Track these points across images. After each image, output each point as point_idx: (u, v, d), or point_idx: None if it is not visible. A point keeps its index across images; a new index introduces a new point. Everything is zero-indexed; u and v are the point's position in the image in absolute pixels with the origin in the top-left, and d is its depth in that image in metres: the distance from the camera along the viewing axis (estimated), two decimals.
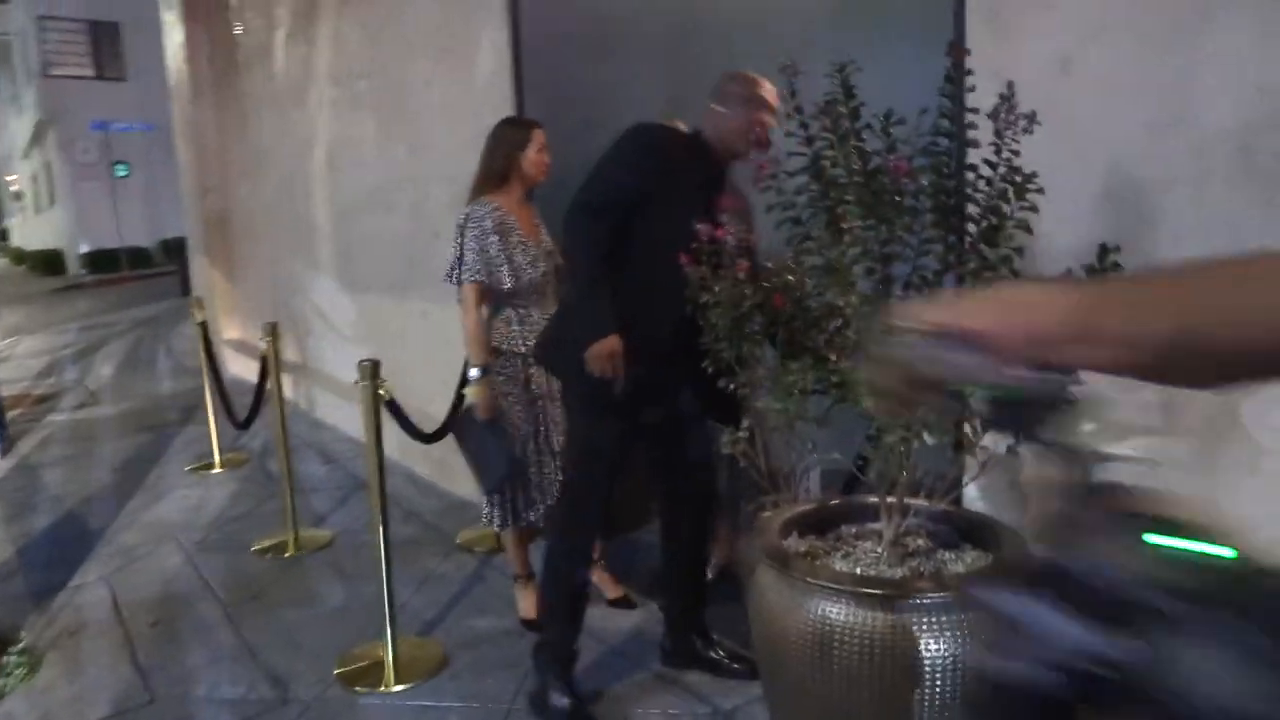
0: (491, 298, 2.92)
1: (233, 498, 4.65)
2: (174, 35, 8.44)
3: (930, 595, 1.65)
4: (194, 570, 3.70)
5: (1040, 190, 1.62)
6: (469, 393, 2.96)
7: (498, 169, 2.96)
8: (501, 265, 2.86)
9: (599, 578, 3.15)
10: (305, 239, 6.47)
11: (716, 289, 1.92)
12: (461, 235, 2.88)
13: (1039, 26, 2.16)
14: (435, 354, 4.16)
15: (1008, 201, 1.63)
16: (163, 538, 4.09)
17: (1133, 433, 2.06)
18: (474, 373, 2.89)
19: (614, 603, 3.10)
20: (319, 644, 2.98)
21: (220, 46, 8.03)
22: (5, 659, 2.96)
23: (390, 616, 2.75)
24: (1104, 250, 1.57)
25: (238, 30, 7.49)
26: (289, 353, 6.87)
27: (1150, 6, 1.95)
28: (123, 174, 22.24)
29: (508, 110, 4.04)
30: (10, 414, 6.86)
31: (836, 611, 1.68)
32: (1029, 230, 1.63)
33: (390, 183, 5.01)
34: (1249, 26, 1.79)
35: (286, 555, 3.79)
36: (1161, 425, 2.00)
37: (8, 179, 35.36)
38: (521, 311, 2.95)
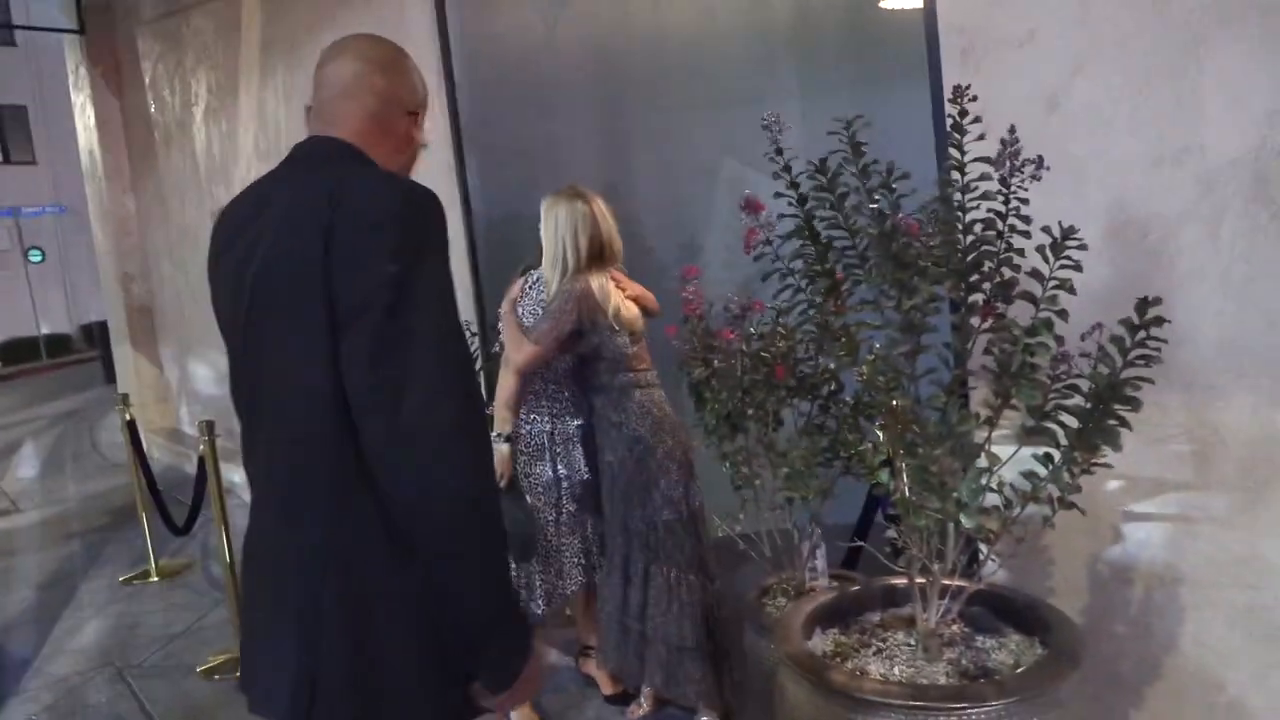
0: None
1: (174, 610, 4.27)
2: (85, 116, 8.09)
3: (991, 701, 1.47)
4: (135, 703, 3.33)
5: (1083, 246, 1.49)
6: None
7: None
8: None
9: (594, 671, 2.91)
10: None
11: (715, 362, 1.74)
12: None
13: (1017, 63, 2.06)
14: None
15: (1045, 259, 1.49)
16: (98, 665, 3.70)
17: (1164, 488, 1.94)
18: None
19: (611, 699, 2.86)
20: None
21: (136, 126, 7.72)
22: None
23: None
24: (1145, 304, 1.44)
25: (153, 109, 7.20)
26: (227, 440, 6.50)
27: (1137, 33, 1.86)
28: (37, 260, 21.38)
29: (449, 177, 3.86)
30: None
31: None
32: (1072, 291, 1.49)
33: None
34: (1252, 47, 1.71)
35: (237, 675, 3.45)
36: (1195, 478, 1.88)
37: None
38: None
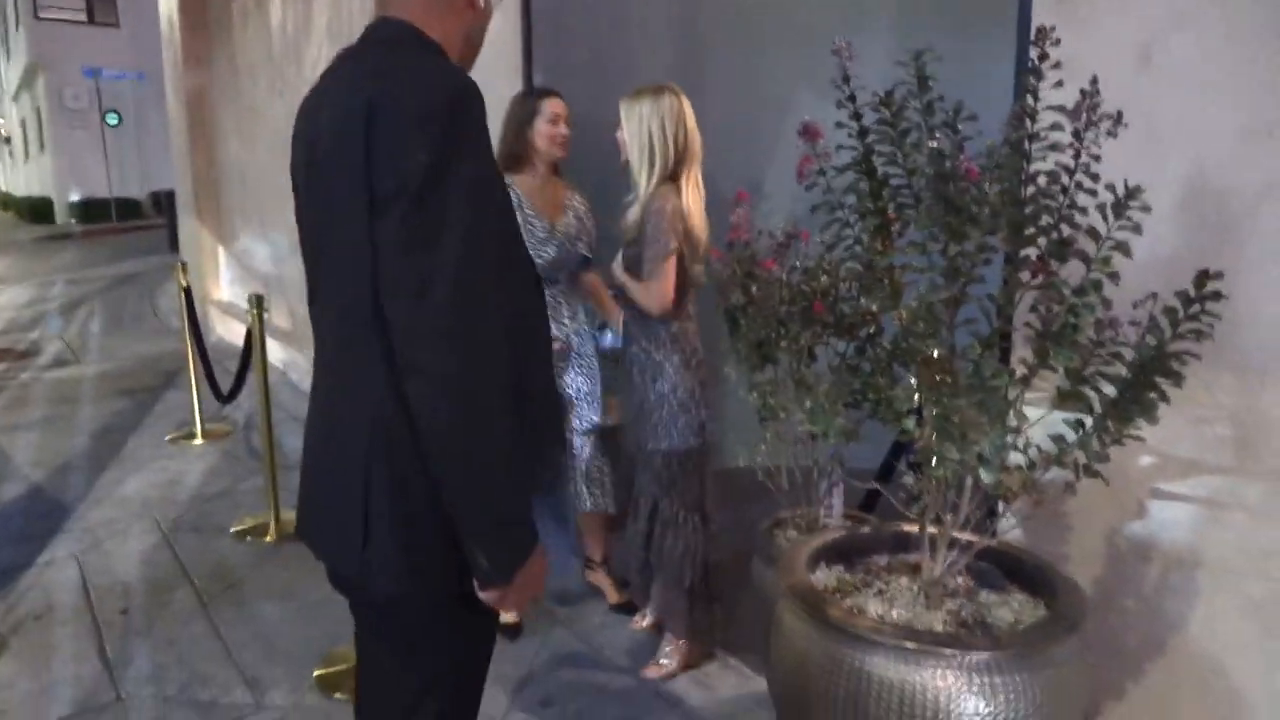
0: None
1: (213, 472, 4.46)
2: None
3: (983, 651, 1.47)
4: (170, 552, 3.51)
5: (1146, 208, 1.42)
6: None
7: (510, 149, 2.72)
8: None
9: (600, 580, 2.99)
10: None
11: (753, 290, 1.72)
12: None
13: (1115, 11, 1.95)
14: None
15: (1105, 218, 1.43)
16: (138, 514, 3.90)
17: (1198, 470, 1.89)
18: None
19: (616, 608, 2.94)
20: (297, 643, 2.81)
21: None
22: None
23: None
24: (1204, 277, 1.38)
25: None
26: (279, 319, 6.66)
27: None
28: (114, 123, 21.79)
29: (516, 76, 3.81)
30: None
31: (875, 665, 1.51)
32: (1128, 254, 1.43)
33: None
34: None
35: (267, 539, 3.61)
36: (1234, 463, 1.83)
37: None
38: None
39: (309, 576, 3.28)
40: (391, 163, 1.10)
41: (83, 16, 22.39)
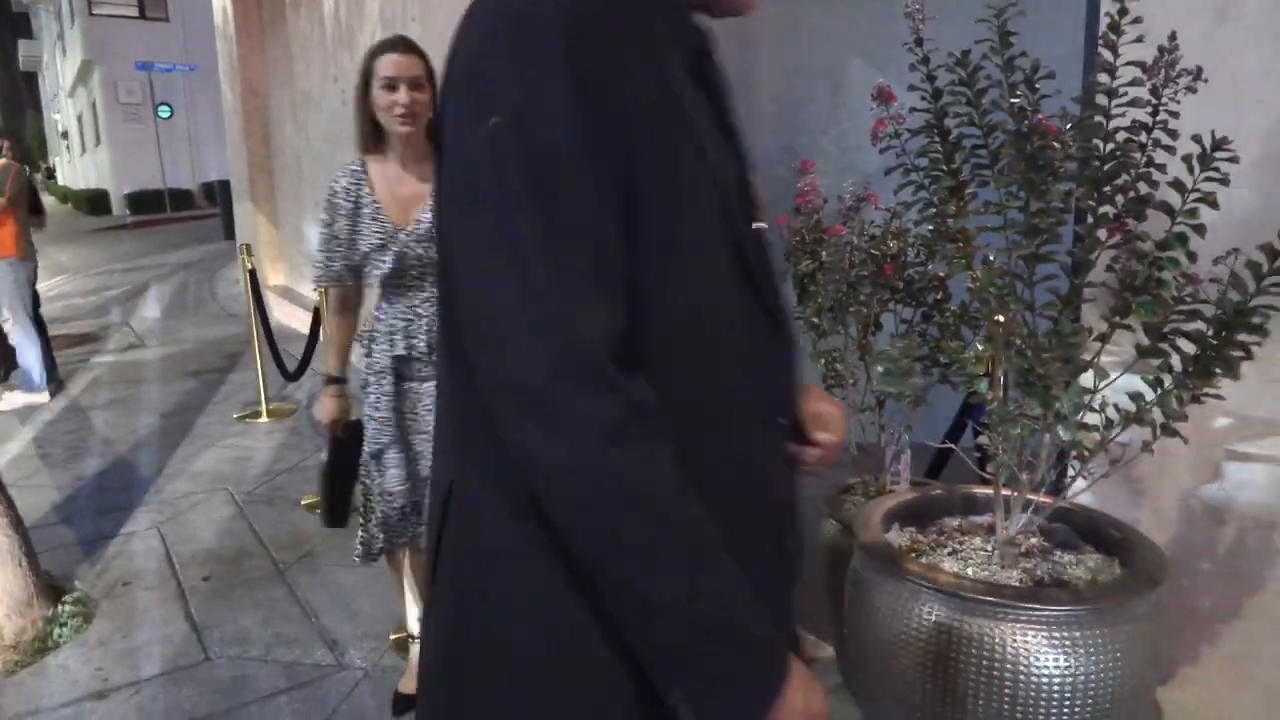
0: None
1: (281, 448, 4.60)
2: None
3: (1062, 605, 1.49)
4: (245, 523, 3.64)
5: (1235, 159, 1.42)
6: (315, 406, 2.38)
7: (359, 123, 2.09)
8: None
9: None
10: None
11: (824, 255, 1.74)
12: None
13: None
14: None
15: (1190, 170, 1.43)
16: (212, 488, 4.04)
17: (1276, 430, 1.88)
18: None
19: None
20: (372, 608, 2.90)
21: None
22: (60, 608, 2.92)
23: None
24: None
25: None
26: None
27: None
28: (166, 115, 22.26)
29: None
30: (61, 354, 6.89)
31: (955, 619, 1.53)
32: (1215, 205, 1.43)
33: None
34: None
35: None
36: None
37: (54, 117, 35.71)
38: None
39: None
40: (454, 140, 0.75)
41: (135, 11, 22.88)
